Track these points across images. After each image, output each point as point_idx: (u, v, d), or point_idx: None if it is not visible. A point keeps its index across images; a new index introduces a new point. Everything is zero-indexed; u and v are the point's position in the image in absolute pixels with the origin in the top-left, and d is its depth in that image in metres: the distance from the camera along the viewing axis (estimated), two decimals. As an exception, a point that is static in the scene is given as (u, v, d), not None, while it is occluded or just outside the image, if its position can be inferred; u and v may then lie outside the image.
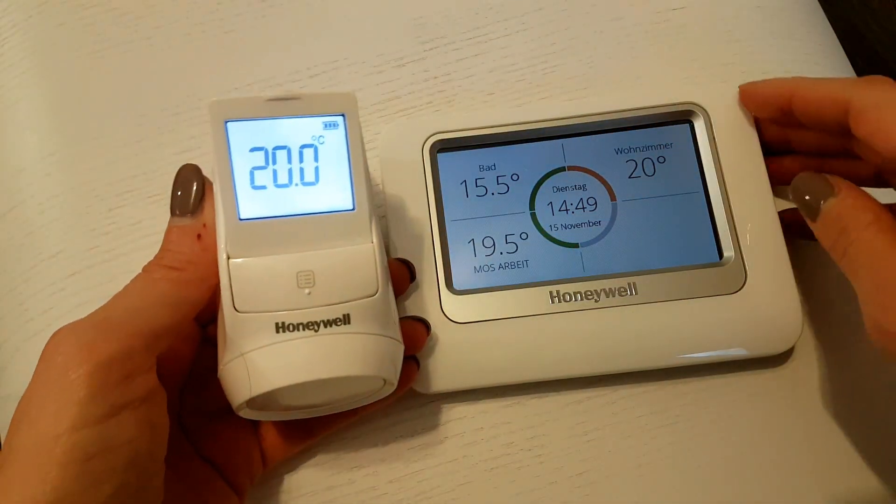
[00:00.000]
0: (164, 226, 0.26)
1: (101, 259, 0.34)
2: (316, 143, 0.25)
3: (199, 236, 0.25)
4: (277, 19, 0.39)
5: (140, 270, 0.25)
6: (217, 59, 0.38)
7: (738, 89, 0.33)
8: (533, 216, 0.33)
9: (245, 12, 0.39)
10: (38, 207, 0.35)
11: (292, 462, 0.31)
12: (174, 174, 0.27)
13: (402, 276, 0.30)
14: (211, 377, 0.28)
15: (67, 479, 0.20)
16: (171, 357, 0.27)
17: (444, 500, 0.31)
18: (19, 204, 0.36)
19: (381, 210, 0.33)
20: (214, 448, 0.28)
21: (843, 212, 0.26)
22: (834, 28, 0.41)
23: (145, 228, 0.35)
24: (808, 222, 0.28)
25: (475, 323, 0.31)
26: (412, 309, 0.31)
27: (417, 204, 0.33)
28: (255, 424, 0.30)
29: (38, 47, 0.38)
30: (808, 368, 0.32)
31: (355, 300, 0.25)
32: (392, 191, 0.33)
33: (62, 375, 0.21)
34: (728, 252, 0.31)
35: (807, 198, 0.27)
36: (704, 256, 0.32)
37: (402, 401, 0.32)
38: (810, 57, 0.38)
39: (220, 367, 0.25)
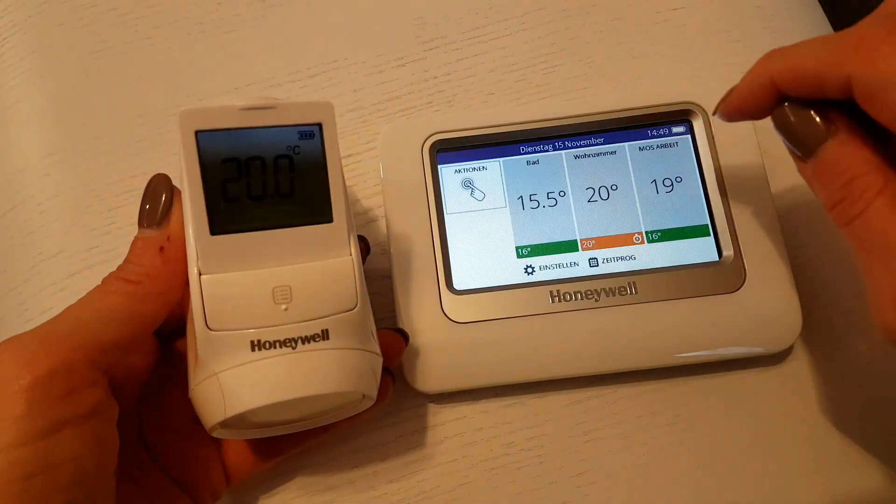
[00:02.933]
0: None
1: (101, 259, 0.34)
2: (291, 153, 0.24)
3: (161, 249, 0.24)
4: (277, 19, 0.39)
5: (104, 277, 0.25)
6: (217, 59, 0.38)
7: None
8: (533, 216, 0.33)
9: (245, 12, 0.39)
10: (38, 207, 0.35)
11: (291, 462, 0.31)
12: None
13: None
14: (170, 391, 0.28)
15: (6, 498, 0.19)
16: (126, 371, 0.26)
17: (444, 500, 0.31)
18: (19, 204, 0.36)
19: (380, 210, 0.33)
20: (175, 463, 0.27)
21: (847, 165, 0.22)
22: (834, 28, 0.41)
23: (145, 228, 0.35)
24: (797, 162, 0.24)
25: (475, 323, 0.31)
26: (413, 308, 0.31)
27: (417, 204, 0.33)
28: (219, 441, 0.29)
29: (38, 47, 0.38)
30: (807, 367, 0.32)
31: (334, 315, 0.24)
32: (392, 191, 0.33)
33: (0, 390, 0.20)
34: (727, 251, 0.31)
35: (799, 132, 0.24)
36: (703, 256, 0.32)
37: (401, 401, 0.32)
38: (810, 57, 0.38)
39: (192, 386, 0.24)
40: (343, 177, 0.25)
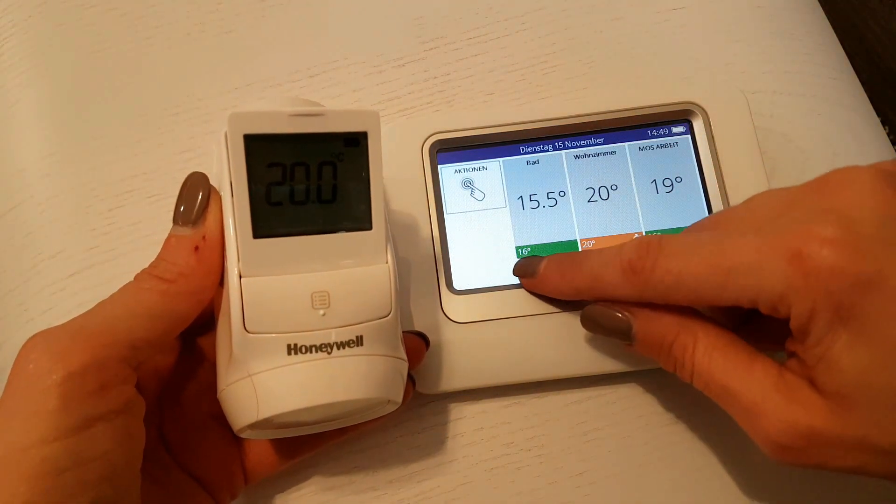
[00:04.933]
0: (164, 226, 0.26)
1: (101, 259, 0.34)
2: (336, 160, 0.24)
3: (196, 248, 0.24)
4: (277, 19, 0.39)
5: (137, 273, 0.25)
6: (217, 59, 0.38)
7: (740, 94, 0.33)
8: (533, 216, 0.33)
9: (245, 12, 0.39)
10: (37, 207, 0.35)
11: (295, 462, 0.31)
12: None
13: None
14: (190, 389, 0.28)
15: (38, 493, 0.19)
16: (149, 368, 0.27)
17: (444, 500, 0.31)
18: (19, 204, 0.36)
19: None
20: (194, 461, 0.27)
21: (659, 336, 0.25)
22: (834, 28, 0.41)
23: (145, 228, 0.35)
24: (628, 349, 0.27)
25: (475, 323, 0.31)
26: (413, 308, 0.31)
27: (417, 204, 0.33)
28: (239, 440, 0.29)
29: (38, 47, 0.38)
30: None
31: (369, 321, 0.24)
32: (392, 191, 0.33)
33: (32, 384, 0.20)
34: (728, 252, 0.31)
35: (608, 327, 0.27)
36: (704, 256, 0.32)
37: (402, 401, 0.32)
38: (810, 57, 0.38)
39: (222, 387, 0.24)
40: (383, 185, 0.25)
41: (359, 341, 0.24)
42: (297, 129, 0.23)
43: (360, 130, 0.24)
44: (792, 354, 0.23)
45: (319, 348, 0.23)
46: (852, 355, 0.21)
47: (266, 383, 0.23)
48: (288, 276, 0.23)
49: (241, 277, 0.23)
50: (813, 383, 0.22)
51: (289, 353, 0.23)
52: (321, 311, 0.23)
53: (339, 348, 0.24)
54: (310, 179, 0.24)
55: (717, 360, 0.24)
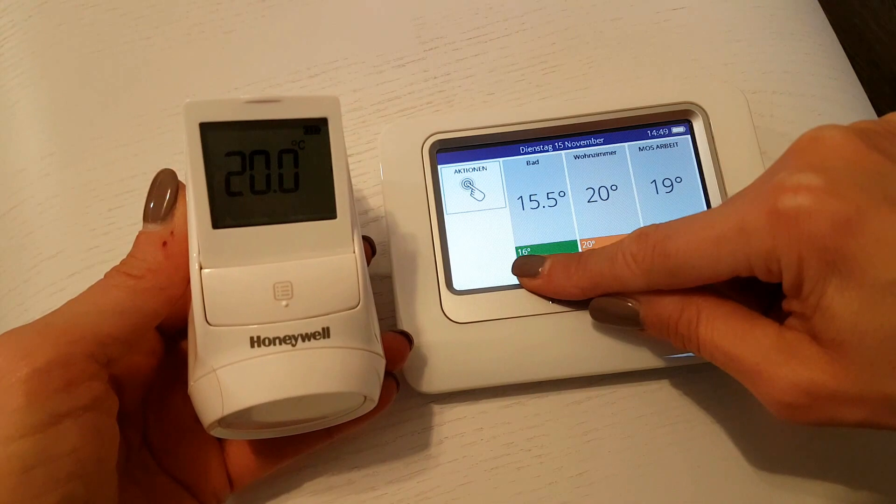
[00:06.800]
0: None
1: (101, 259, 0.34)
2: (296, 147, 0.23)
3: (164, 244, 0.24)
4: (277, 19, 0.39)
5: (107, 271, 0.25)
6: (217, 59, 0.38)
7: (740, 94, 0.33)
8: (533, 216, 0.33)
9: (245, 12, 0.39)
10: (37, 207, 0.35)
11: (291, 463, 0.31)
12: None
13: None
14: (175, 392, 0.28)
15: (5, 491, 0.19)
16: (130, 369, 0.26)
17: (444, 500, 0.31)
18: (19, 204, 0.36)
19: (380, 210, 0.33)
20: (178, 465, 0.27)
21: (665, 317, 0.26)
22: (834, 28, 0.41)
23: (145, 228, 0.35)
24: (640, 334, 0.29)
25: (475, 323, 0.31)
26: (413, 308, 0.31)
27: (417, 204, 0.33)
28: (222, 444, 0.29)
29: (38, 47, 0.38)
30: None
31: (335, 313, 0.24)
32: (391, 191, 0.33)
33: None
34: (728, 252, 0.31)
35: (618, 317, 0.28)
36: (704, 256, 0.32)
37: (401, 401, 0.32)
38: (810, 57, 0.38)
39: (191, 383, 0.24)
40: (348, 173, 0.25)
41: (325, 333, 0.23)
42: (254, 116, 0.23)
43: (319, 116, 0.23)
44: (791, 313, 0.23)
45: (283, 340, 0.23)
46: (844, 299, 0.21)
47: (229, 378, 0.23)
48: (249, 266, 0.23)
49: (201, 269, 0.23)
50: (814, 337, 0.22)
51: (252, 346, 0.23)
52: (284, 302, 0.23)
53: (303, 340, 0.23)
54: (270, 168, 0.23)
55: (719, 329, 0.24)
